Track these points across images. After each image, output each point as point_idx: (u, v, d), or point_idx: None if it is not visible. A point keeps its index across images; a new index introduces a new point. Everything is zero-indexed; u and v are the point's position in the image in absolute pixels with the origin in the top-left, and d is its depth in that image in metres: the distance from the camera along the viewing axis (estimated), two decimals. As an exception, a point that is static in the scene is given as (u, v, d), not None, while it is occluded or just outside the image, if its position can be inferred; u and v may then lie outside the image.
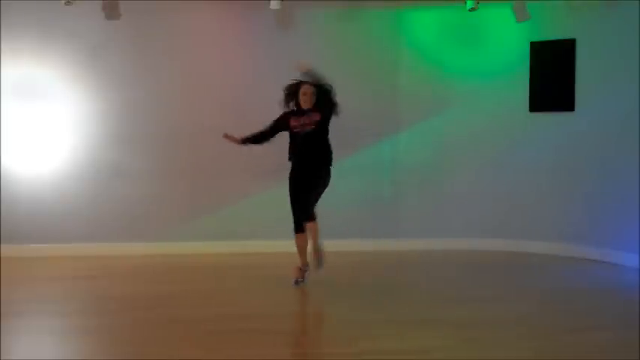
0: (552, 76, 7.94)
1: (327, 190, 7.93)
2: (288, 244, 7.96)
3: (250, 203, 8.08)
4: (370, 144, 8.06)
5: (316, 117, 6.20)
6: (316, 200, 6.26)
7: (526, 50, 8.10)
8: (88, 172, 7.83)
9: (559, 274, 7.09)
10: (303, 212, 6.19)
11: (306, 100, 6.21)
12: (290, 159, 6.32)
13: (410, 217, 8.12)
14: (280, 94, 8.05)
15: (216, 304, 5.73)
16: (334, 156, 6.34)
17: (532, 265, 7.49)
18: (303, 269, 6.34)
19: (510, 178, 8.19)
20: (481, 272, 7.16)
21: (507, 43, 8.24)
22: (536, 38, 8.04)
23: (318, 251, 6.20)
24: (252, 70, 8.07)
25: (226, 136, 6.41)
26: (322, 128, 6.22)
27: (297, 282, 6.28)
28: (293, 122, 6.24)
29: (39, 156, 7.79)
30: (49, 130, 7.80)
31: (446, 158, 8.24)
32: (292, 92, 6.30)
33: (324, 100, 6.24)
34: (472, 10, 7.65)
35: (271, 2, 7.51)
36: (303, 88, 6.24)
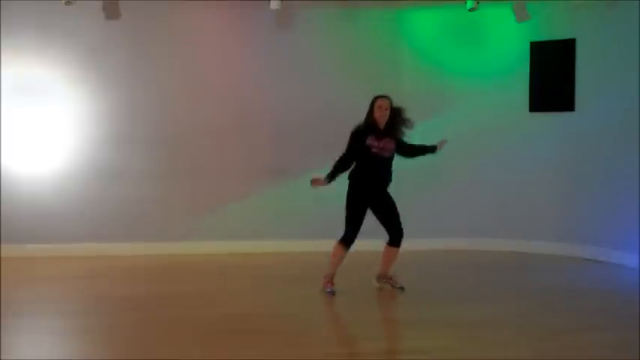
0: (552, 76, 7.94)
1: (329, 190, 7.95)
2: (288, 244, 8.02)
3: (250, 203, 8.09)
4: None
5: (392, 145, 6.03)
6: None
7: (526, 50, 8.10)
8: (88, 172, 7.83)
9: (559, 274, 7.09)
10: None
11: (382, 115, 5.96)
12: (355, 177, 6.08)
13: (410, 217, 8.09)
14: (280, 94, 8.12)
15: (216, 304, 5.73)
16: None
17: (532, 265, 7.50)
18: (331, 280, 6.20)
19: (510, 178, 8.19)
20: (481, 272, 7.16)
21: (507, 43, 8.24)
22: (536, 38, 8.04)
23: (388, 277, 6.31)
24: (252, 70, 8.07)
25: (314, 181, 6.06)
26: (393, 155, 6.12)
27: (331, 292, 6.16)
28: (371, 142, 5.96)
29: (39, 156, 7.79)
30: (49, 130, 7.80)
31: (446, 158, 8.22)
32: (371, 104, 6.03)
33: (397, 121, 6.06)
34: (472, 10, 7.66)
35: (271, 2, 7.52)
36: (380, 102, 5.99)
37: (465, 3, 7.67)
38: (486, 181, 8.25)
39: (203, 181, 7.99)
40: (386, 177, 6.13)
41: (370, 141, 5.95)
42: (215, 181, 8.00)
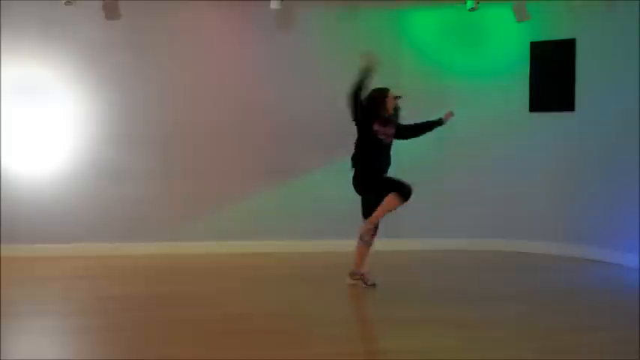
0: (552, 76, 7.95)
1: (328, 190, 7.97)
2: (288, 245, 8.02)
3: (250, 203, 8.09)
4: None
5: (393, 129, 6.17)
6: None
7: (526, 50, 8.11)
8: (88, 172, 7.83)
9: (559, 274, 7.09)
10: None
11: (391, 107, 6.12)
12: (363, 162, 6.13)
13: (410, 217, 8.11)
14: (280, 94, 8.10)
15: (216, 304, 5.73)
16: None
17: (532, 265, 7.50)
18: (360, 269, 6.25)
19: (510, 178, 8.20)
20: (481, 272, 7.16)
21: (507, 43, 8.25)
22: (536, 38, 8.05)
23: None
24: (252, 69, 8.08)
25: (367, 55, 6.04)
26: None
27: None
28: (378, 127, 6.07)
29: (39, 156, 7.79)
30: (49, 130, 7.80)
31: (446, 158, 8.24)
32: (382, 96, 6.11)
33: (397, 108, 6.22)
34: (472, 10, 7.67)
35: (271, 2, 7.52)
36: (391, 94, 6.14)
37: (465, 3, 7.68)
38: (486, 181, 8.25)
39: (203, 181, 7.99)
40: (388, 161, 6.22)
41: (377, 126, 6.06)
42: (215, 181, 8.00)
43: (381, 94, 6.13)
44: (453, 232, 8.24)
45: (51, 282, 6.59)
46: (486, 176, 8.26)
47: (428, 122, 6.42)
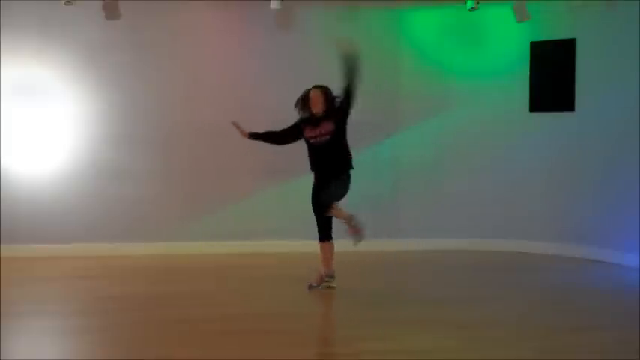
0: (552, 76, 7.95)
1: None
2: (288, 245, 8.02)
3: (250, 203, 8.09)
4: (370, 144, 8.05)
5: (330, 126, 5.97)
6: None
7: (526, 50, 8.11)
8: (88, 172, 7.83)
9: (559, 274, 7.09)
10: (323, 229, 6.21)
11: (314, 104, 6.00)
12: (312, 169, 6.22)
13: (410, 217, 8.12)
14: (280, 94, 8.09)
15: (216, 304, 5.73)
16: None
17: (532, 265, 7.50)
18: (322, 277, 6.23)
19: (510, 178, 8.20)
20: (481, 272, 7.16)
21: (507, 43, 8.25)
22: (536, 38, 8.05)
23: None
24: (252, 70, 8.08)
25: (235, 124, 6.24)
26: (337, 136, 6.01)
27: (310, 286, 6.20)
28: (308, 133, 6.03)
29: (39, 156, 7.79)
30: (49, 130, 7.80)
31: (446, 158, 8.24)
32: (303, 97, 6.07)
33: (335, 103, 6.02)
34: (472, 10, 7.68)
35: (271, 2, 7.53)
36: (311, 92, 6.04)
37: (465, 3, 7.68)
38: (486, 181, 8.25)
39: (203, 181, 8.00)
40: (333, 161, 6.07)
41: (307, 132, 6.06)
42: (215, 181, 8.00)
43: (302, 95, 6.09)
44: (453, 232, 8.23)
45: (51, 282, 6.59)
46: (486, 176, 8.26)
47: (346, 80, 6.01)
